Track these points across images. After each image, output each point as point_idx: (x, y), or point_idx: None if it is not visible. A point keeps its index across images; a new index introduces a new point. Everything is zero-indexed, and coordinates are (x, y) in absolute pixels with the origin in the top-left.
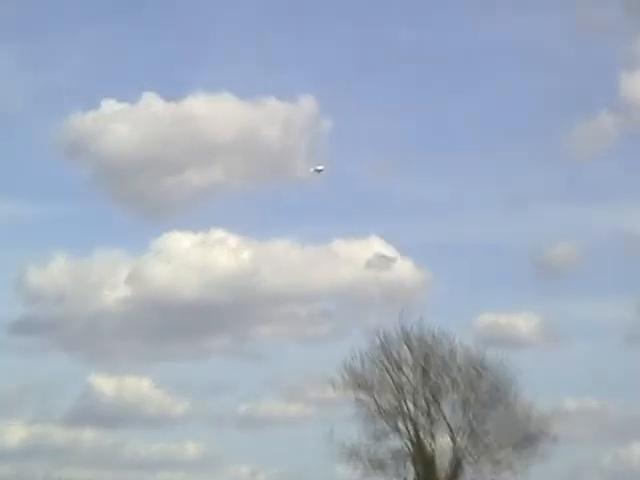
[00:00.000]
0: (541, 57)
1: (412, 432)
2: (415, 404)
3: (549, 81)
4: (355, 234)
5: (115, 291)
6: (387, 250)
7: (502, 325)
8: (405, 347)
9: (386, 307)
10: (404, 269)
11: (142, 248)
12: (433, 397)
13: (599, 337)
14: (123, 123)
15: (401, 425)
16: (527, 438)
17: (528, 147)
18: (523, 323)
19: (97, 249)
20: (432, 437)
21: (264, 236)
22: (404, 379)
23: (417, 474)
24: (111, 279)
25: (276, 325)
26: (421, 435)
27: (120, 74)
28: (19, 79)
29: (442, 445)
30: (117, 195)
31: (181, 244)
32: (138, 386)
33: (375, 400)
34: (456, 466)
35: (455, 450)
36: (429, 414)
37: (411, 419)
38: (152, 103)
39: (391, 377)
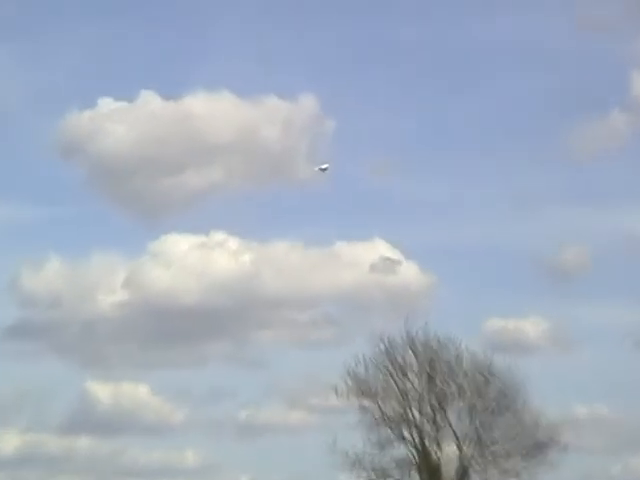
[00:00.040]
0: (547, 56)
1: (417, 440)
2: (420, 411)
3: (556, 80)
4: (358, 236)
5: (112, 295)
6: (392, 253)
7: (510, 330)
8: (410, 353)
9: (391, 311)
10: (409, 273)
11: (139, 251)
12: (439, 404)
13: (610, 342)
14: (120, 122)
15: (406, 433)
16: (536, 446)
17: (536, 148)
18: (531, 328)
19: (93, 252)
20: (438, 445)
21: (265, 238)
22: (409, 385)
23: None
24: (107, 282)
25: (277, 330)
26: (426, 443)
27: (117, 72)
28: (14, 77)
29: (448, 453)
30: (114, 196)
31: (180, 246)
32: (135, 393)
33: (379, 407)
34: (462, 475)
35: (461, 459)
36: (435, 421)
37: (416, 427)
38: (150, 102)
39: (396, 383)
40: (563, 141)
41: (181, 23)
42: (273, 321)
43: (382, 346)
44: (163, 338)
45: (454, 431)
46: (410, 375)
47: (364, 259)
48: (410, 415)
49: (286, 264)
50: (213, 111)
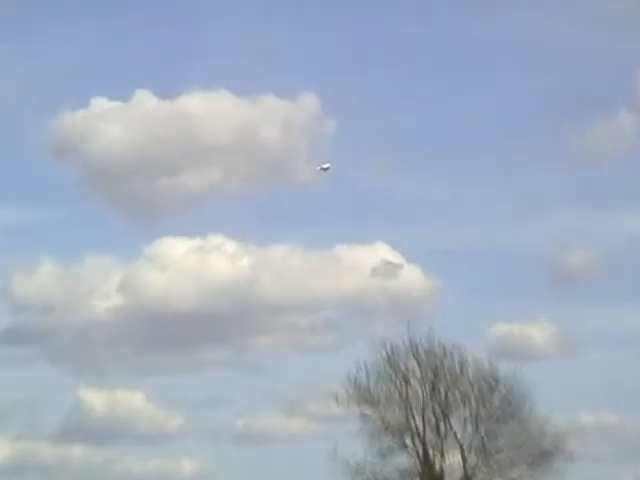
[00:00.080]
0: (550, 55)
1: (420, 449)
2: (423, 419)
3: (559, 79)
4: (359, 239)
5: (106, 300)
6: (393, 256)
7: (515, 336)
8: (413, 359)
9: (393, 317)
10: (411, 277)
11: (135, 254)
12: (442, 412)
13: (617, 348)
14: (115, 122)
15: (409, 442)
16: (541, 455)
17: (540, 148)
18: (537, 333)
19: (87, 255)
20: (441, 454)
21: (263, 242)
22: (412, 393)
23: None
24: (102, 287)
25: (276, 335)
26: (430, 452)
27: (111, 71)
28: (6, 76)
29: (452, 463)
30: (108, 198)
31: (176, 250)
32: (130, 400)
33: (381, 415)
34: None
35: (465, 468)
36: (438, 430)
37: (419, 435)
38: (145, 101)
39: (398, 391)
40: (568, 142)
41: (177, 20)
42: (272, 326)
43: (384, 352)
44: (159, 344)
45: (458, 440)
46: (413, 382)
47: (365, 263)
48: (413, 423)
49: (285, 268)
50: (210, 111)
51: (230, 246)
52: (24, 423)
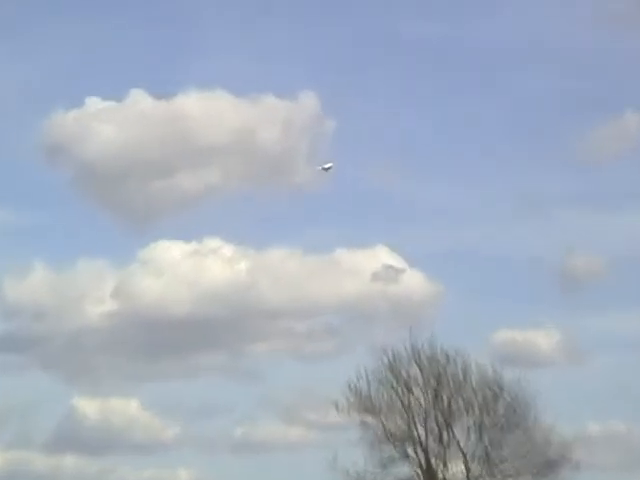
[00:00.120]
0: (555, 54)
1: (422, 459)
2: (426, 428)
3: (565, 79)
4: (360, 243)
5: (100, 305)
6: (395, 260)
7: (520, 342)
8: (415, 366)
9: (394, 322)
10: (413, 281)
11: (129, 258)
12: (445, 420)
13: (625, 354)
14: (108, 123)
15: (410, 451)
16: (547, 465)
17: (545, 149)
18: (543, 340)
19: (80, 259)
20: (444, 464)
21: (261, 245)
22: (414, 401)
23: None
24: (95, 292)
25: (274, 341)
26: (432, 462)
27: (105, 70)
28: None
29: (455, 473)
30: (102, 201)
31: (171, 254)
32: (125, 408)
33: (382, 424)
34: None
35: (469, 478)
36: (441, 439)
37: (421, 444)
38: (140, 101)
39: (400, 399)
40: (574, 143)
41: (173, 18)
42: (270, 332)
43: (385, 359)
44: (154, 350)
45: (461, 449)
46: (415, 390)
47: (366, 267)
48: (415, 432)
49: (284, 272)
50: (207, 111)
51: (227, 250)
52: (15, 432)
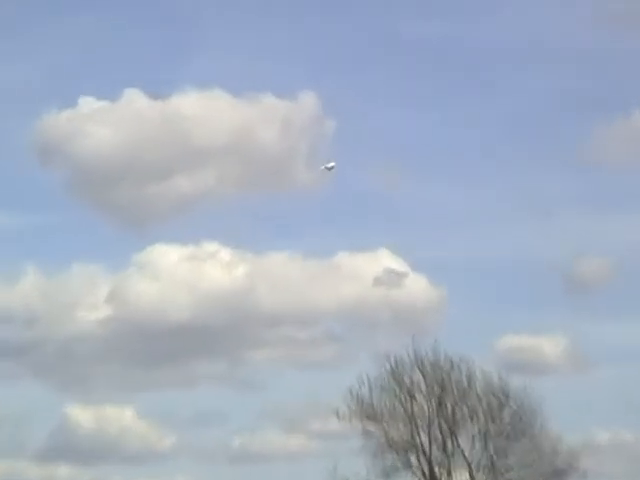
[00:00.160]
0: (559, 53)
1: (426, 467)
2: (429, 436)
3: (572, 79)
4: (361, 247)
5: (94, 311)
6: (397, 265)
7: (526, 348)
8: (418, 373)
9: (397, 328)
10: (416, 286)
11: (124, 263)
12: (449, 429)
13: (634, 361)
14: (103, 123)
15: (414, 460)
16: (554, 474)
17: (552, 151)
18: (549, 346)
19: (74, 264)
20: (448, 473)
21: (260, 249)
22: (417, 409)
23: None
24: (89, 298)
25: (274, 348)
26: (436, 471)
27: (99, 68)
28: None
29: None
30: (96, 203)
31: (168, 258)
32: (120, 417)
33: (385, 432)
34: None
35: None
36: (445, 447)
37: (425, 453)
38: (135, 101)
39: (403, 406)
40: (581, 144)
41: (170, 16)
42: (269, 339)
43: (388, 366)
44: (149, 358)
45: (466, 458)
46: (418, 397)
47: (367, 271)
48: (418, 440)
49: (283, 277)
50: (204, 111)
51: (225, 254)
52: (7, 441)
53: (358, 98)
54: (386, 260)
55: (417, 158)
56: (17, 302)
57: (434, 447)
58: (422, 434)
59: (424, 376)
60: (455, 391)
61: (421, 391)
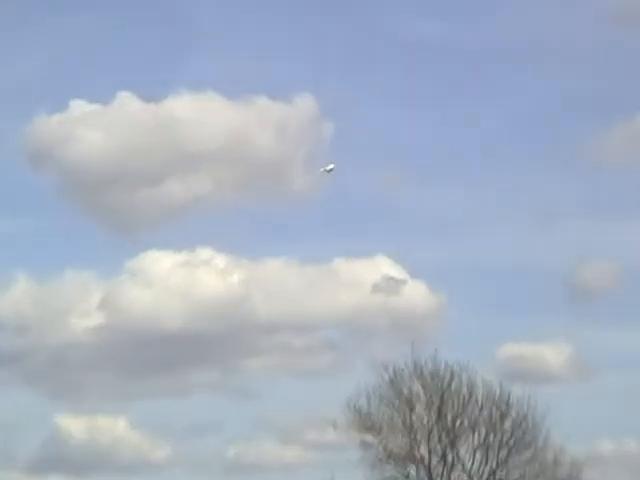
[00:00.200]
0: (563, 53)
1: None
2: (429, 448)
3: (575, 80)
4: (359, 253)
5: (85, 319)
6: (396, 271)
7: (528, 357)
8: (417, 383)
9: (395, 336)
10: (415, 293)
11: (116, 269)
12: (449, 440)
13: (638, 369)
14: (95, 127)
15: (413, 472)
16: None
17: (554, 154)
18: (552, 354)
19: (65, 270)
20: None
21: (256, 255)
22: (416, 419)
23: None
24: (81, 305)
25: (270, 357)
26: None
27: (91, 71)
28: None
29: None
30: (88, 209)
31: (161, 265)
32: (112, 427)
33: (383, 443)
34: None
35: None
36: (445, 459)
37: (424, 465)
38: (128, 104)
39: (402, 417)
40: (584, 147)
41: (163, 17)
42: (265, 347)
43: (386, 375)
44: (143, 366)
45: (466, 470)
46: (417, 408)
47: (365, 278)
48: (417, 452)
49: (279, 284)
50: (198, 114)
51: (220, 260)
52: None
53: (356, 99)
54: (384, 267)
55: (416, 160)
56: (8, 309)
57: (434, 459)
58: (421, 446)
59: (423, 386)
60: (455, 401)
61: (420, 401)
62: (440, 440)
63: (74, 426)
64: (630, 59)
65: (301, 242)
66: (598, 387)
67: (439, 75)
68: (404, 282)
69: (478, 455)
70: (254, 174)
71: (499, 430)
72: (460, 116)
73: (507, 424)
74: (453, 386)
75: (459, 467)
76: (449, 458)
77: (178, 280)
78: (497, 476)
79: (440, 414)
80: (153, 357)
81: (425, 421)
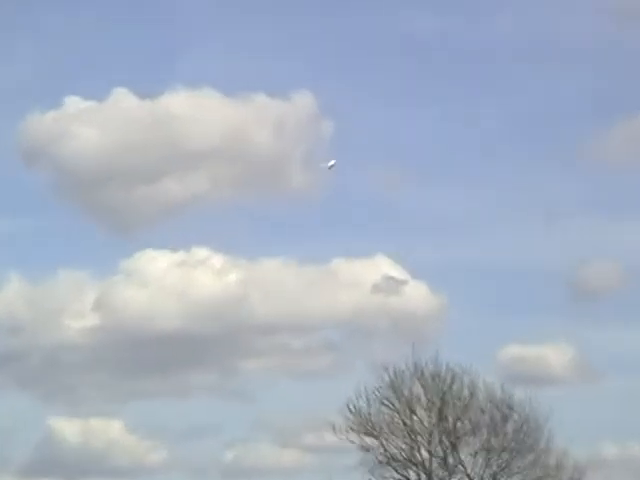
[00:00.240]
0: (566, 53)
1: None
2: (430, 451)
3: (578, 79)
4: (359, 253)
5: (80, 319)
6: (396, 271)
7: (530, 358)
8: (418, 385)
9: (396, 338)
10: (416, 293)
11: (111, 269)
12: (451, 443)
13: None
14: (90, 124)
15: (413, 476)
16: None
17: (556, 154)
18: (555, 356)
19: (59, 270)
20: None
21: (254, 255)
22: (417, 422)
23: None
24: (75, 305)
25: (268, 358)
26: None
27: (86, 67)
28: None
29: None
30: (82, 208)
31: (157, 265)
32: (107, 430)
33: (383, 446)
34: None
35: None
36: (446, 463)
37: (425, 468)
38: (123, 101)
39: (402, 420)
40: (585, 147)
41: (159, 12)
42: (263, 348)
43: (386, 377)
44: (138, 368)
45: (468, 474)
46: (418, 410)
47: (365, 278)
48: (418, 455)
49: (277, 284)
50: (195, 111)
51: (217, 260)
52: None
53: (356, 98)
54: (385, 267)
55: (416, 160)
56: (1, 309)
57: (434, 462)
58: (422, 449)
59: (424, 388)
60: (456, 404)
61: (421, 404)
62: (441, 443)
63: (68, 429)
64: (630, 59)
65: (300, 242)
66: (601, 389)
67: (439, 74)
68: (404, 282)
69: (479, 458)
70: (252, 172)
71: (501, 433)
72: (460, 115)
73: (509, 427)
74: (454, 388)
75: (460, 471)
76: (450, 461)
77: (174, 280)
78: (499, 479)
79: (441, 416)
80: (149, 359)
81: (426, 424)
